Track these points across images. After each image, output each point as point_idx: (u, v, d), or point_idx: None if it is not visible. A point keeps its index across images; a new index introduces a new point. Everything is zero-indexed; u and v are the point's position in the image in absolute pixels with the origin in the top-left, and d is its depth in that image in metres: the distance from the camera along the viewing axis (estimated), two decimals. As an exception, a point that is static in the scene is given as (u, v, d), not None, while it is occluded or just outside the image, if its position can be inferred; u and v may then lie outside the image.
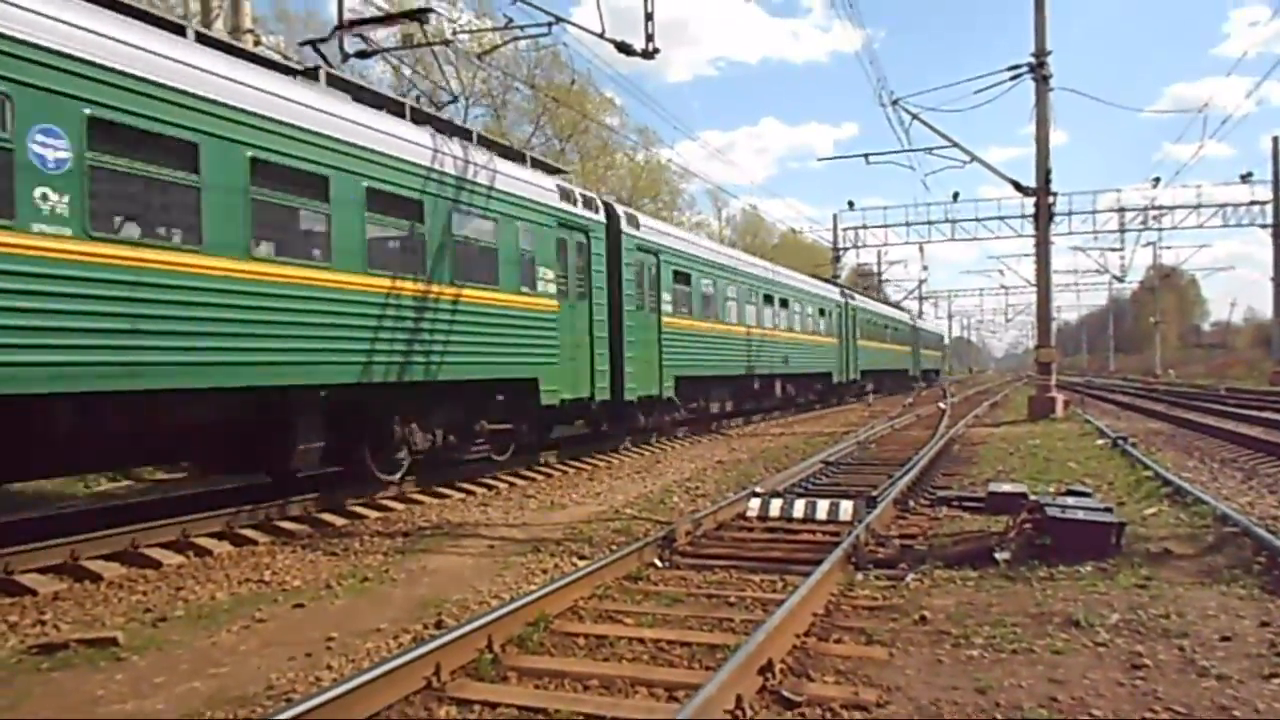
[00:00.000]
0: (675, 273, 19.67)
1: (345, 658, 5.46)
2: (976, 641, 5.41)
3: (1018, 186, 25.20)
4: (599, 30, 13.62)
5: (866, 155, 32.12)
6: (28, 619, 6.49)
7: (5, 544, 7.76)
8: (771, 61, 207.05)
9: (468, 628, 5.26)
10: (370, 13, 33.05)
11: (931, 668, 5.01)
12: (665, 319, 18.89)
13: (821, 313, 32.02)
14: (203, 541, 8.84)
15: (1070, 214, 45.42)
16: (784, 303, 28.04)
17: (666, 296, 19.05)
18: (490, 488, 12.99)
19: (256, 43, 16.26)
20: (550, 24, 14.09)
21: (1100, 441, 17.16)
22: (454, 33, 19.39)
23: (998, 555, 7.44)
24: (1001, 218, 46.00)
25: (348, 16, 13.02)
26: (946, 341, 68.92)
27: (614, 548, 8.26)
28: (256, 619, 6.39)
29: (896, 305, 54.44)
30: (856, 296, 31.38)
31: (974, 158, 26.82)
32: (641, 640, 5.61)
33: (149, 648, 5.78)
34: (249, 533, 9.37)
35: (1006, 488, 10.17)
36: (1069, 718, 4.29)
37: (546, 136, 53.40)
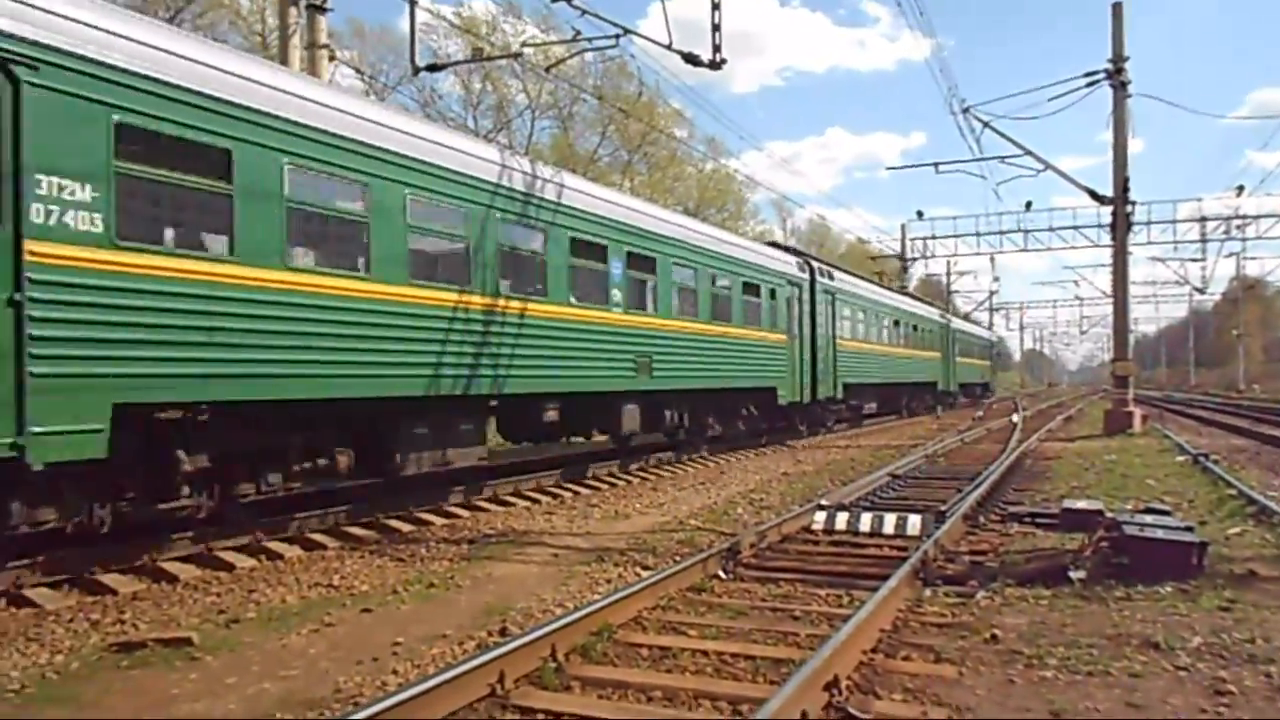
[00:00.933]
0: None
1: (411, 663, 5.51)
2: (1050, 662, 5.26)
3: (1094, 195, 24.59)
4: (666, 42, 13.64)
5: (936, 164, 31.64)
6: (109, 617, 6.69)
7: (88, 544, 8.00)
8: (838, 71, 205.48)
9: (532, 636, 5.27)
10: (441, 28, 33.66)
11: (1003, 688, 4.88)
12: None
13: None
14: (274, 546, 9.02)
15: (1149, 223, 44.09)
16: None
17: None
18: (555, 496, 13.05)
19: (332, 58, 16.63)
20: (617, 36, 14.14)
21: (1180, 458, 16.63)
22: (522, 45, 19.54)
23: (1072, 574, 7.23)
24: (1076, 227, 44.82)
25: (424, 38, 13.14)
26: (995, 347, 62.26)
27: (678, 558, 8.23)
28: (325, 623, 6.49)
29: (915, 297, 43.27)
30: (835, 275, 25.83)
31: (1047, 166, 26.26)
32: (705, 652, 5.57)
33: (222, 648, 5.90)
34: (319, 538, 9.54)
35: (1081, 504, 9.89)
36: (1148, 744, 4.15)
37: (614, 147, 53.68)
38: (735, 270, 18.88)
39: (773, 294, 20.73)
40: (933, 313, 41.00)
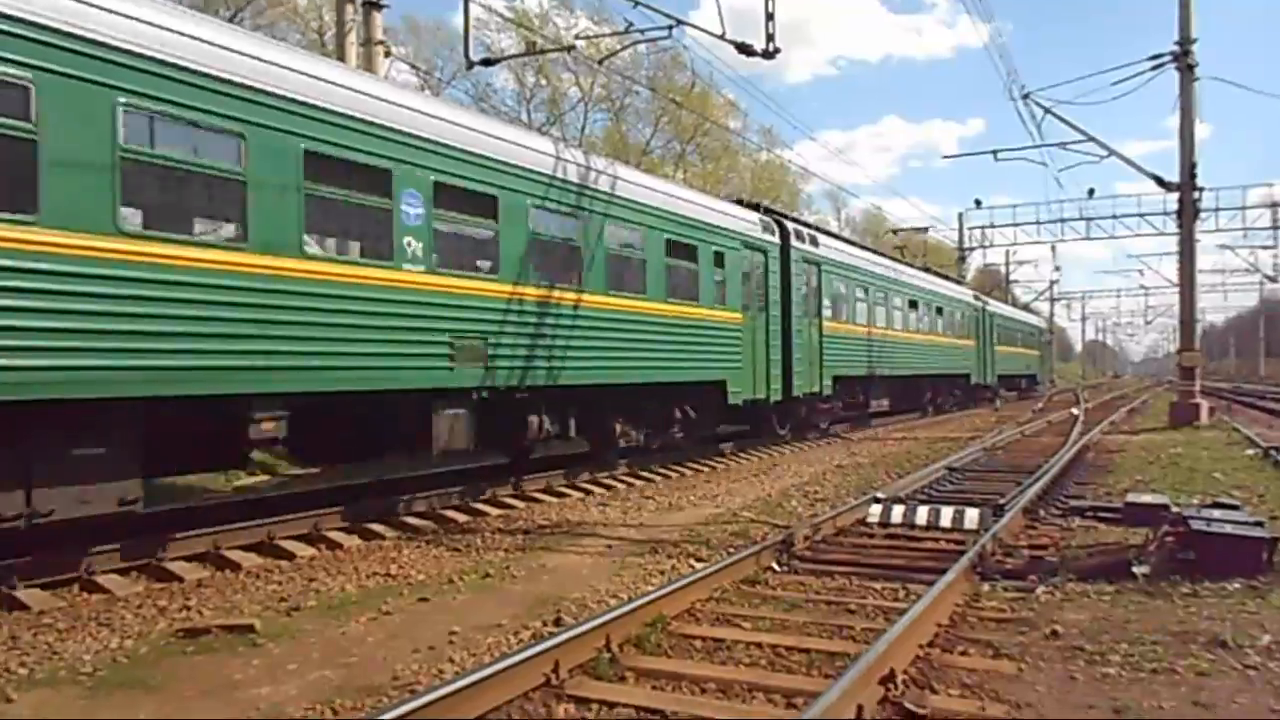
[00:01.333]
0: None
1: (467, 652, 5.58)
2: (1113, 659, 5.15)
3: (1160, 182, 23.96)
4: (719, 32, 13.57)
5: (995, 152, 31.06)
6: (175, 604, 6.86)
7: (157, 533, 8.22)
8: (893, 59, 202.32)
9: (586, 626, 5.30)
10: (494, 22, 33.86)
11: (1064, 684, 4.79)
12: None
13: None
14: (333, 535, 9.18)
15: (1217, 210, 42.95)
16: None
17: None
18: (609, 488, 13.10)
19: (387, 54, 16.82)
20: (670, 26, 14.11)
21: (1250, 451, 16.16)
22: (575, 38, 19.59)
23: (1136, 569, 7.08)
24: (1141, 215, 43.81)
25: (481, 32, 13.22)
26: (1047, 333, 53.76)
27: (731, 550, 8.21)
28: (383, 611, 6.59)
29: (943, 275, 37.09)
30: (821, 240, 21.18)
31: (1111, 152, 25.65)
32: (759, 645, 5.55)
33: (283, 635, 6.02)
34: (377, 527, 9.68)
35: (1146, 498, 9.66)
36: (1216, 744, 4.05)
37: (667, 139, 53.60)
38: (651, 223, 13.95)
39: (719, 259, 15.95)
40: (963, 293, 36.34)
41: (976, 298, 38.60)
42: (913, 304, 27.73)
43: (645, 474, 14.40)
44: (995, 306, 40.82)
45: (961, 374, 34.09)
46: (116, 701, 4.90)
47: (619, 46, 21.69)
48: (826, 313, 20.61)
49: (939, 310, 30.71)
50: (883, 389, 26.49)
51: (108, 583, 7.30)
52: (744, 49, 13.45)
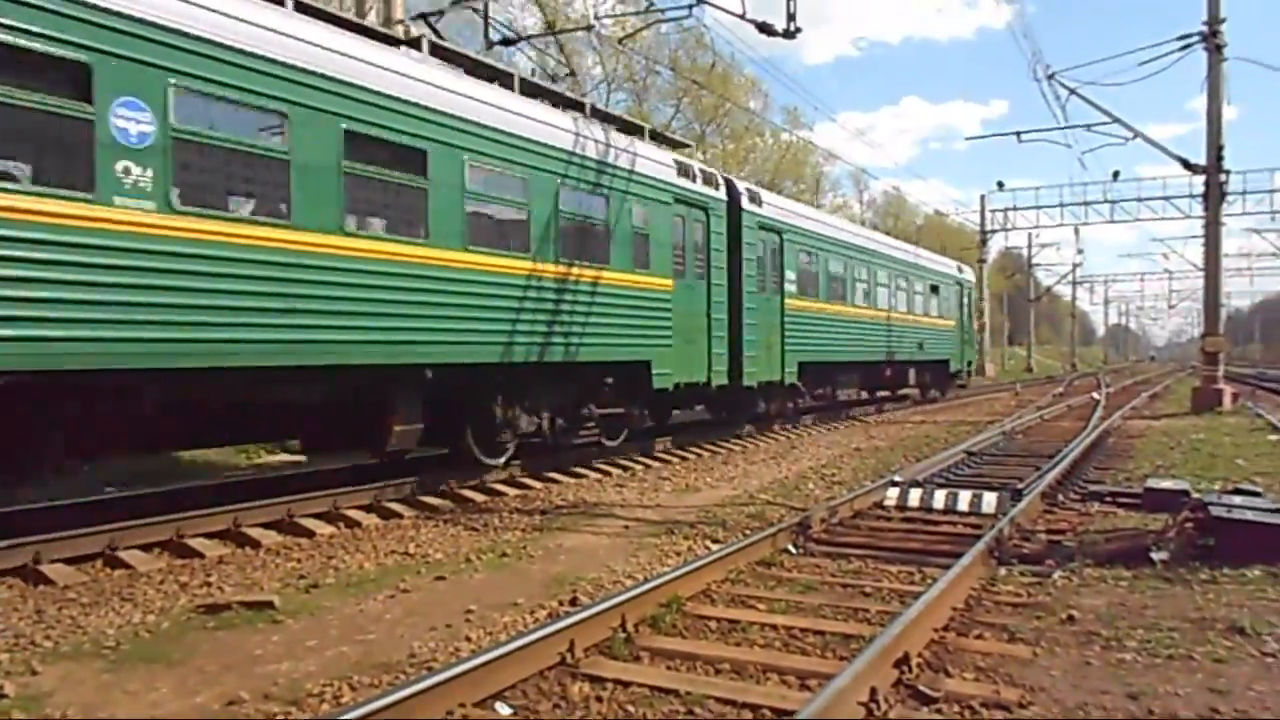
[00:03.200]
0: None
1: (483, 630, 5.62)
2: (1129, 645, 5.14)
3: (1186, 164, 23.68)
4: (740, 11, 13.47)
5: (1019, 133, 30.75)
6: (196, 580, 6.95)
7: (177, 510, 8.32)
8: (914, 39, 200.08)
9: (602, 606, 5.33)
10: (515, 1, 33.73)
11: (1079, 670, 4.78)
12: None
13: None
14: (352, 513, 9.25)
15: (1244, 193, 42.34)
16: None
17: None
18: (626, 469, 13.13)
19: (407, 33, 16.80)
20: (691, 6, 14.03)
21: (1273, 437, 16.02)
22: (596, 17, 19.52)
23: (1154, 555, 7.04)
24: (1166, 198, 43.34)
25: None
26: (974, 294, 35.69)
27: (747, 532, 8.22)
28: (401, 589, 6.65)
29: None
30: (783, 206, 19.15)
31: (1136, 133, 25.35)
32: (774, 626, 5.57)
33: (302, 612, 6.09)
34: (395, 506, 9.75)
35: (1166, 484, 9.62)
36: (1231, 730, 4.04)
37: (688, 120, 53.36)
38: (533, 163, 11.22)
39: (633, 214, 13.18)
40: (946, 265, 30.87)
41: (960, 268, 32.40)
42: (896, 279, 24.47)
43: (662, 456, 14.42)
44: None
45: (941, 360, 29.13)
46: (138, 675, 4.97)
47: (642, 25, 21.60)
48: (790, 288, 18.12)
49: (934, 287, 27.86)
50: (855, 376, 23.32)
51: (130, 558, 7.39)
52: (765, 29, 13.36)
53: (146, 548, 7.74)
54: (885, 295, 23.67)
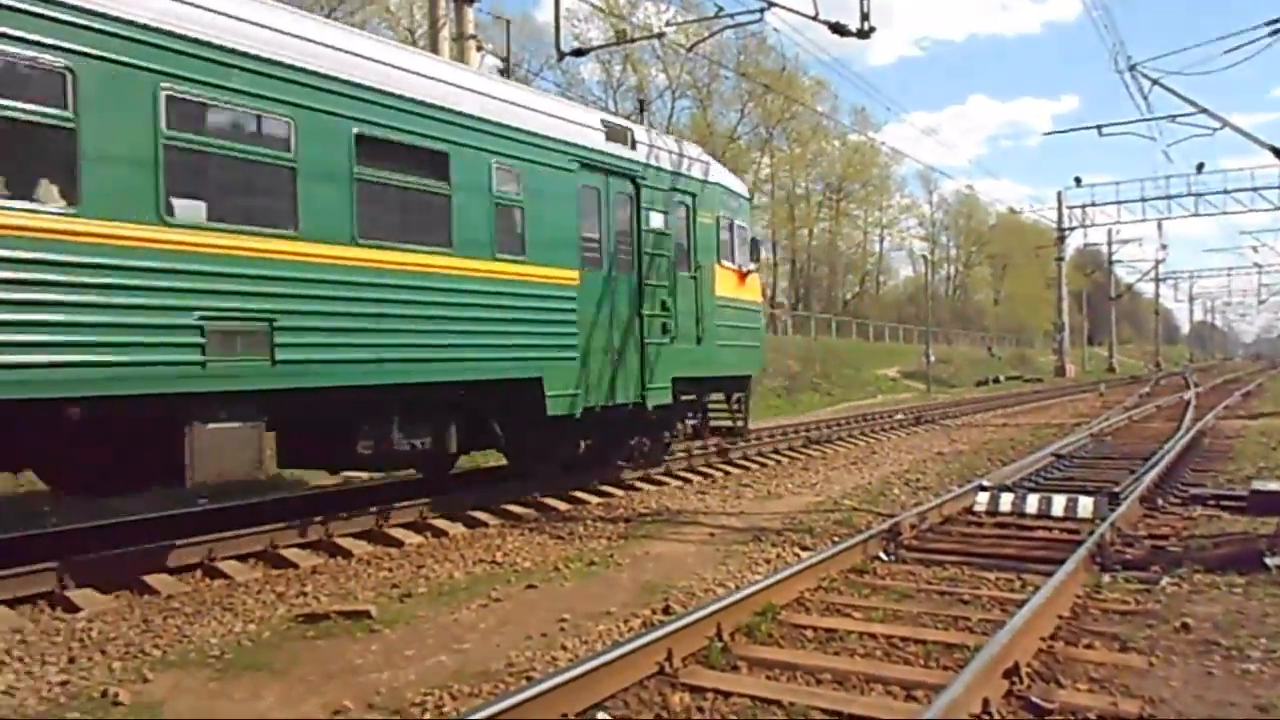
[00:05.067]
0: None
1: (578, 639, 5.61)
2: (1252, 655, 4.91)
3: (1277, 153, 22.77)
4: (812, 12, 13.33)
5: (1099, 126, 29.83)
6: (292, 590, 7.06)
7: (271, 522, 8.48)
8: (979, 37, 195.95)
9: (697, 615, 5.28)
10: (582, 11, 33.98)
11: (1201, 680, 4.59)
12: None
13: None
14: (439, 523, 9.33)
15: (1340, 182, 40.71)
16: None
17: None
18: (706, 476, 13.05)
19: (479, 48, 17.03)
20: (762, 10, 13.93)
21: (1382, 436, 15.30)
22: (665, 24, 19.52)
23: (1270, 561, 6.74)
24: (1255, 189, 41.85)
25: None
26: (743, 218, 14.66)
27: (836, 539, 8.09)
28: (493, 598, 6.67)
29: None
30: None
31: (1225, 123, 24.42)
32: (873, 635, 5.46)
33: (398, 621, 6.15)
34: (480, 515, 9.81)
35: (1273, 486, 9.23)
36: (1373, 745, 3.82)
37: (753, 124, 53.20)
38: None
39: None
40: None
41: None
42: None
43: (741, 462, 14.31)
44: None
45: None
46: (244, 683, 5.06)
47: (707, 33, 21.54)
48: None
49: None
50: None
51: (228, 568, 7.55)
52: (838, 29, 13.20)
53: (242, 558, 7.89)
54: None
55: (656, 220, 11.74)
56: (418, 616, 6.25)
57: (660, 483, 12.31)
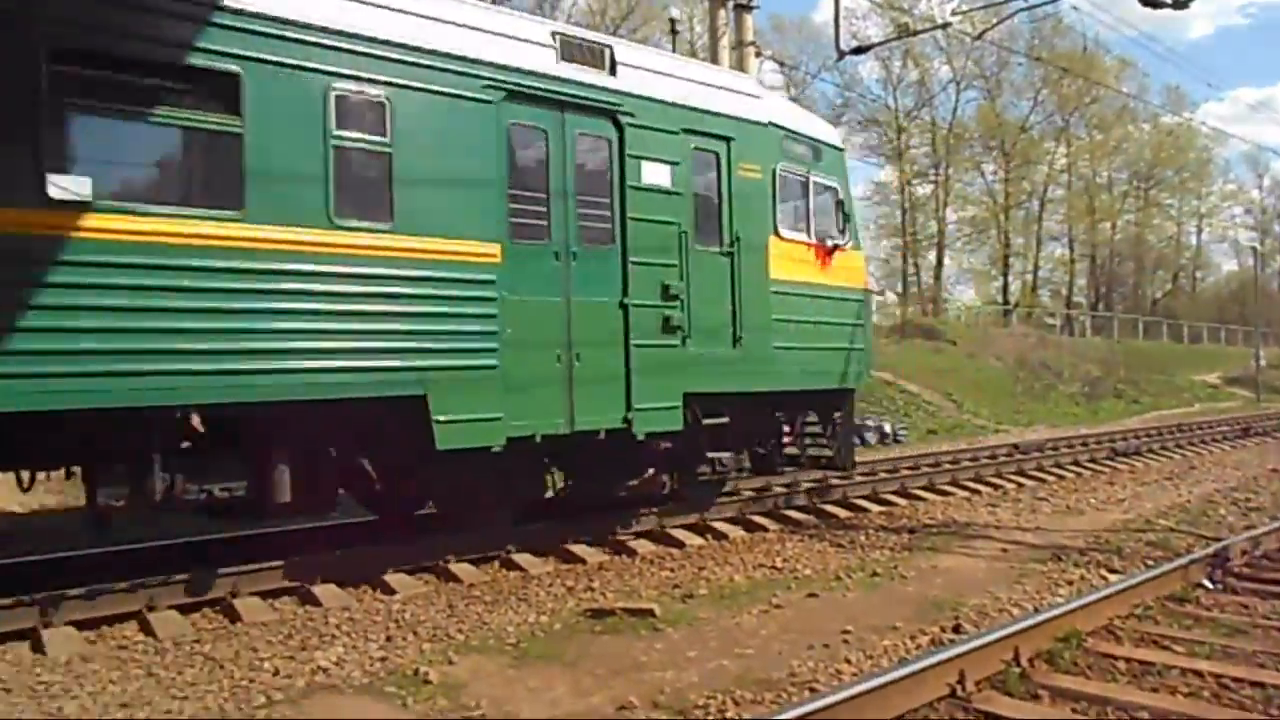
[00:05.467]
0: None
1: (863, 653, 5.43)
2: None
3: None
4: (1118, -14, 12.25)
5: None
6: (580, 584, 7.36)
7: (559, 520, 8.91)
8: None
9: (992, 636, 4.97)
10: (859, 9, 33.30)
11: None
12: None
13: None
14: (719, 526, 9.41)
15: None
16: None
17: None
18: (996, 487, 12.32)
19: (758, 54, 17.09)
20: (1059, -12, 12.96)
21: None
22: (952, 12, 18.72)
23: None
24: None
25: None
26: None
27: (1150, 562, 7.37)
28: (774, 604, 6.62)
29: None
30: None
31: None
32: (1198, 673, 4.89)
33: (680, 622, 6.24)
34: (759, 520, 9.79)
35: None
36: None
37: (1047, 113, 49.94)
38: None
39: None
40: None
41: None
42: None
43: (1036, 474, 13.39)
44: None
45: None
46: (538, 672, 5.32)
47: (996, 20, 20.42)
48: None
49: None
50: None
51: (523, 561, 7.99)
52: (1150, 1, 12.04)
53: (536, 552, 8.33)
54: None
55: (654, 174, 8.67)
56: (699, 618, 6.32)
57: (945, 493, 11.76)
